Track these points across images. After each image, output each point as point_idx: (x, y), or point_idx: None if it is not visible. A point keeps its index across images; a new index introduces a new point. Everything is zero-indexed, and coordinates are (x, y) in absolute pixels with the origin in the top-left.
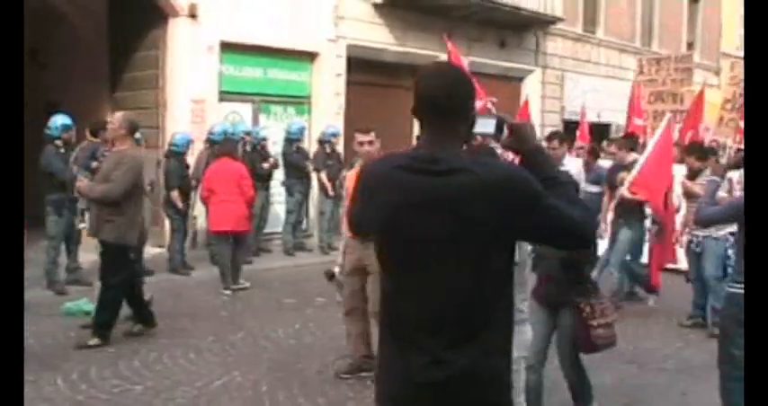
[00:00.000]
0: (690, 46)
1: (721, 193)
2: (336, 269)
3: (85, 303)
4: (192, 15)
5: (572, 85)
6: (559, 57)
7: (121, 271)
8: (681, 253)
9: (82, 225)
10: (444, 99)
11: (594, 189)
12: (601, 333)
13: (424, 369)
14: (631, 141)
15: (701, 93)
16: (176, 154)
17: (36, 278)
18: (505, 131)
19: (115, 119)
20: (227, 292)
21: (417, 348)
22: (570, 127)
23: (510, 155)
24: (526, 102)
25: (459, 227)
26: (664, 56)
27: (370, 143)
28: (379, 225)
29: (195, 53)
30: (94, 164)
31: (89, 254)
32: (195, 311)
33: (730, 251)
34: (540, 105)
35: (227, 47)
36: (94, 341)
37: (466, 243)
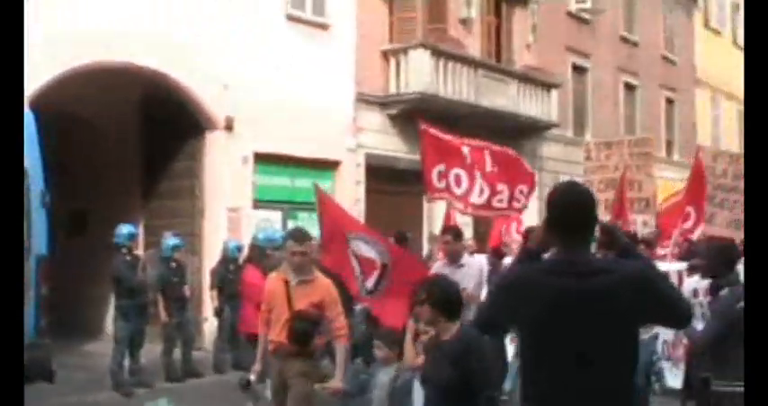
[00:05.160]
0: (669, 144)
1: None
2: (252, 377)
3: (166, 402)
4: (228, 128)
5: None
6: (553, 160)
7: None
8: None
9: None
10: (584, 214)
11: None
12: None
13: None
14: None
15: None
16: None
17: (94, 381)
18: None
19: None
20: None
21: None
22: None
23: None
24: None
25: (611, 319)
26: (615, 140)
27: (303, 254)
28: (536, 323)
29: (231, 164)
30: None
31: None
32: None
33: (654, 357)
34: (538, 206)
35: (259, 157)
36: None
37: (617, 332)
